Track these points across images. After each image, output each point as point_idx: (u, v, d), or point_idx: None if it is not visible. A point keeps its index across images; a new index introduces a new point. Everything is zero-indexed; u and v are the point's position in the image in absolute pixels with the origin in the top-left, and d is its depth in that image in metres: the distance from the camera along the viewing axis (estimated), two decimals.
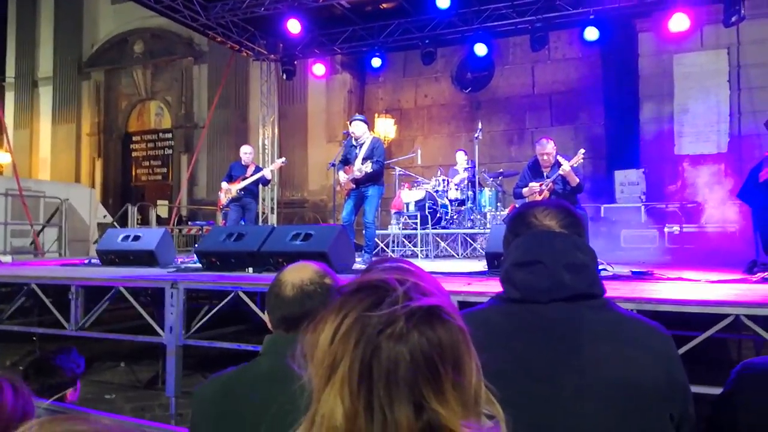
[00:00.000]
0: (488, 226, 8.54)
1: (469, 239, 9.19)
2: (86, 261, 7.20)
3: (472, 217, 8.99)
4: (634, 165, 10.84)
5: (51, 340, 5.63)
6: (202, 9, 10.15)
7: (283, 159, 8.93)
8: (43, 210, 10.11)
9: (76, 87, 17.41)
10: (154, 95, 16.55)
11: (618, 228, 8.60)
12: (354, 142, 6.91)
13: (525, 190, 5.99)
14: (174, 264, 6.24)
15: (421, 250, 9.00)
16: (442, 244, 9.36)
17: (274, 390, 1.26)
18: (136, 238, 6.47)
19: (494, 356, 1.19)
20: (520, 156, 11.75)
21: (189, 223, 13.89)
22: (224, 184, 8.20)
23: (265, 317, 1.68)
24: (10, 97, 18.17)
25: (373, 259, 5.76)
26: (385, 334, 0.70)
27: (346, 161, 6.97)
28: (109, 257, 6.49)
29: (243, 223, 8.04)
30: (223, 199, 8.17)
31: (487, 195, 9.28)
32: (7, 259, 8.46)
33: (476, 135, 9.03)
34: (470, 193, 9.07)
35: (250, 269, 5.36)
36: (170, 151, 16.42)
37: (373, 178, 6.74)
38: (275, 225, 10.70)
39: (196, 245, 7.13)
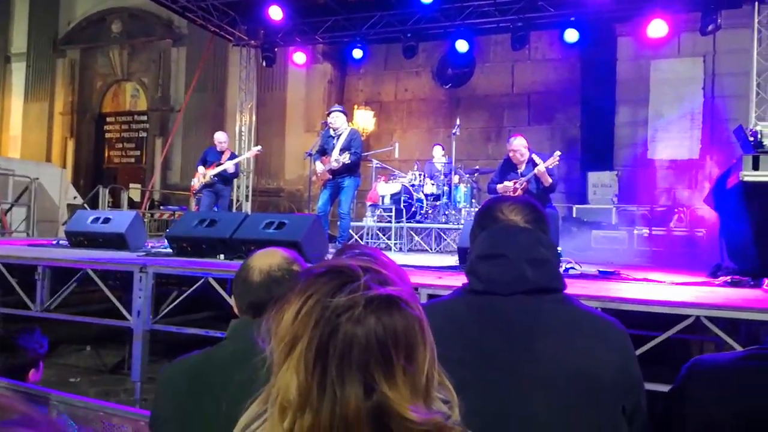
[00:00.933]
0: (462, 222, 8.60)
1: (442, 234, 9.24)
2: (54, 242, 7.06)
3: (446, 213, 9.04)
4: (608, 167, 11.02)
5: (15, 320, 5.53)
6: None
7: (259, 147, 8.88)
8: (11, 188, 9.87)
9: (51, 65, 16.97)
10: (130, 76, 16.23)
11: (589, 228, 8.72)
12: (332, 133, 6.91)
13: (500, 187, 6.05)
14: (144, 248, 6.16)
15: (395, 243, 9.04)
16: (416, 238, 9.40)
17: (236, 368, 1.27)
18: (107, 220, 6.36)
19: (455, 344, 1.23)
20: (497, 153, 11.81)
21: (161, 207, 13.70)
22: (201, 169, 8.13)
23: (233, 302, 1.69)
24: None
25: (348, 243, 5.76)
26: (344, 317, 0.73)
27: (324, 151, 6.96)
28: (78, 239, 6.37)
29: (216, 210, 7.98)
30: (196, 184, 8.09)
31: (462, 191, 9.33)
32: None
33: (454, 131, 9.05)
34: (446, 188, 9.12)
35: (222, 256, 5.32)
36: (145, 134, 16.13)
37: (350, 170, 6.75)
38: (249, 213, 10.64)
39: (168, 230, 7.05)
